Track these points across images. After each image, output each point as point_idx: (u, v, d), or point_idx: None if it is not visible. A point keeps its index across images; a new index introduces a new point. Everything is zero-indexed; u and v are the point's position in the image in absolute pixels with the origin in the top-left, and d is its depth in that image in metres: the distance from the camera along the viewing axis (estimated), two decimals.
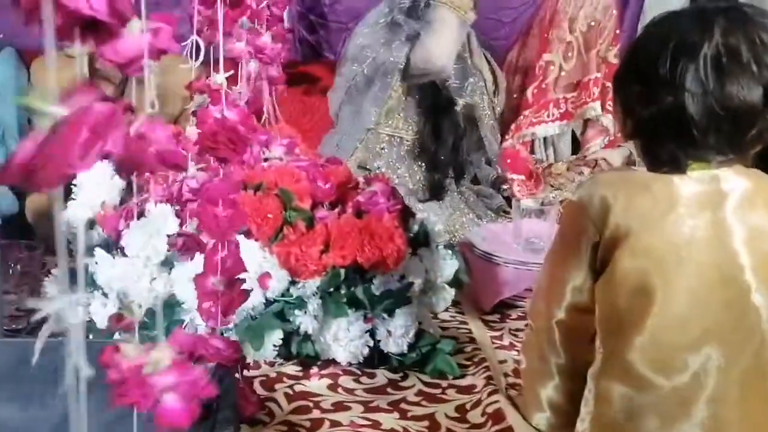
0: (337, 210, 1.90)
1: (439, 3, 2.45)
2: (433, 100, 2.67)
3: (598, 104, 3.07)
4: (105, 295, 1.76)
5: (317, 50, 3.28)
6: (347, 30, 3.06)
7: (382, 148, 2.64)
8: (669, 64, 1.26)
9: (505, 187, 2.80)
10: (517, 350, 1.92)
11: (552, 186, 2.94)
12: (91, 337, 1.67)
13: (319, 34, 3.26)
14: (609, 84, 2.94)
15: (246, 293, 1.32)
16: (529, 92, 3.11)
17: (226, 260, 1.25)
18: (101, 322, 1.73)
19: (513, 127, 3.08)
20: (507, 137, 3.06)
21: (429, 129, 2.68)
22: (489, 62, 2.95)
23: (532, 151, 3.14)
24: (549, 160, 3.11)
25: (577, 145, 3.23)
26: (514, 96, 3.10)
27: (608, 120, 3.07)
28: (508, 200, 2.74)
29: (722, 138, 1.27)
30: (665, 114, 1.27)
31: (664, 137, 1.30)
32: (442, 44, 2.47)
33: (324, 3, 3.24)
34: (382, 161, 2.65)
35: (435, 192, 2.68)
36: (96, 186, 1.84)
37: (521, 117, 3.08)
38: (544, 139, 3.14)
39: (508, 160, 2.95)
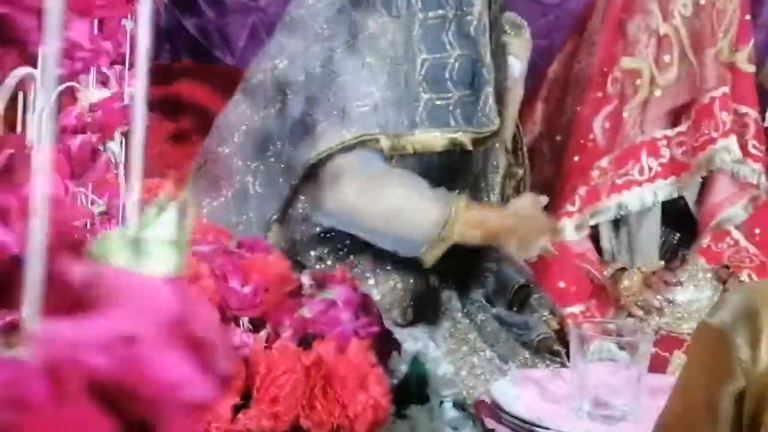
0: (265, 332, 1.63)
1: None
2: (440, 152, 1.99)
3: (733, 141, 2.02)
4: None
5: (203, 48, 2.64)
6: (259, 12, 2.54)
7: (323, 234, 1.92)
8: None
9: (537, 301, 1.95)
10: None
11: (625, 309, 2.05)
12: None
13: (207, 17, 2.63)
14: (745, 109, 2.08)
15: None
16: (597, 128, 2.04)
17: None
18: None
19: (580, 194, 2.05)
20: (568, 209, 2.04)
21: None
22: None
23: (597, 243, 2.11)
24: (615, 261, 2.12)
25: (683, 224, 2.15)
26: (557, 138, 2.13)
27: (748, 168, 2.07)
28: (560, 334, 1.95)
29: None
30: None
31: None
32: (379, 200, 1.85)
33: None
34: (327, 250, 1.94)
35: (425, 310, 1.94)
36: None
37: (594, 173, 2.04)
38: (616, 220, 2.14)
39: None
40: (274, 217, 1.95)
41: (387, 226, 1.85)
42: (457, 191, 1.90)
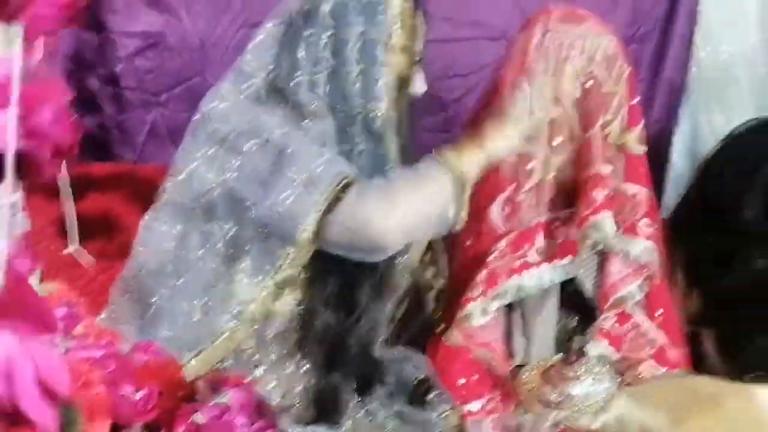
0: None
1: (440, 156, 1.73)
2: None
3: (607, 217, 1.97)
4: None
5: (102, 144, 2.54)
6: (160, 108, 2.42)
7: None
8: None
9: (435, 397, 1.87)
10: None
11: (525, 404, 1.99)
12: None
13: (106, 114, 2.53)
14: (636, 189, 1.99)
15: None
16: (494, 214, 2.02)
17: None
18: None
19: (480, 279, 1.98)
20: (470, 295, 1.96)
21: (330, 294, 1.84)
22: None
23: (508, 336, 2.04)
24: (516, 356, 2.04)
25: (583, 308, 2.07)
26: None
27: (640, 246, 1.98)
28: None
29: None
30: (760, 284, 1.10)
31: (756, 321, 1.13)
32: (409, 216, 1.69)
33: (115, 58, 2.47)
34: (232, 352, 1.83)
35: (326, 410, 1.84)
36: None
37: (492, 257, 2.00)
38: (511, 308, 2.04)
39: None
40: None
41: (427, 215, 1.74)
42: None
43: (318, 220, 1.69)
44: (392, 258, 1.85)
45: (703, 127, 2.55)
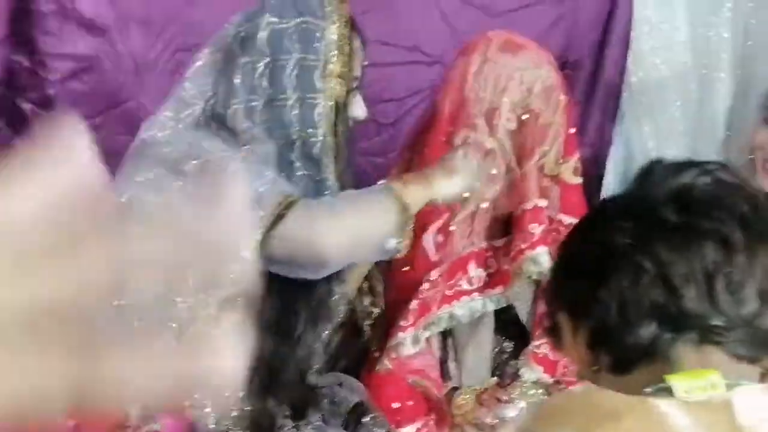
0: None
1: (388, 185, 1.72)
2: None
3: (544, 252, 1.93)
4: None
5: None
6: (94, 131, 2.14)
7: None
8: None
9: (369, 420, 1.77)
10: None
11: (459, 427, 1.92)
12: None
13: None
14: (571, 220, 1.95)
15: None
16: (428, 243, 1.96)
17: None
18: None
19: (412, 308, 1.92)
20: (401, 324, 1.91)
21: (265, 318, 1.79)
22: None
23: (443, 360, 1.99)
24: (451, 380, 1.98)
25: (518, 334, 2.05)
26: None
27: None
28: None
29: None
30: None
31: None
32: (353, 237, 1.64)
33: (48, 81, 2.33)
34: None
35: None
36: None
37: (424, 286, 1.93)
38: (446, 333, 1.99)
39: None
40: None
41: (370, 236, 1.71)
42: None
43: (261, 238, 1.65)
44: (330, 286, 1.83)
45: (636, 152, 2.53)
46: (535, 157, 1.95)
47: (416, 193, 1.72)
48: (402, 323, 1.92)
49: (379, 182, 1.74)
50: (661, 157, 1.23)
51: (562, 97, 1.95)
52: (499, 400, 1.93)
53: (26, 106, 2.38)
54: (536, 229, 1.94)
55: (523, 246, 1.93)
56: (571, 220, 1.98)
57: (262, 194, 1.67)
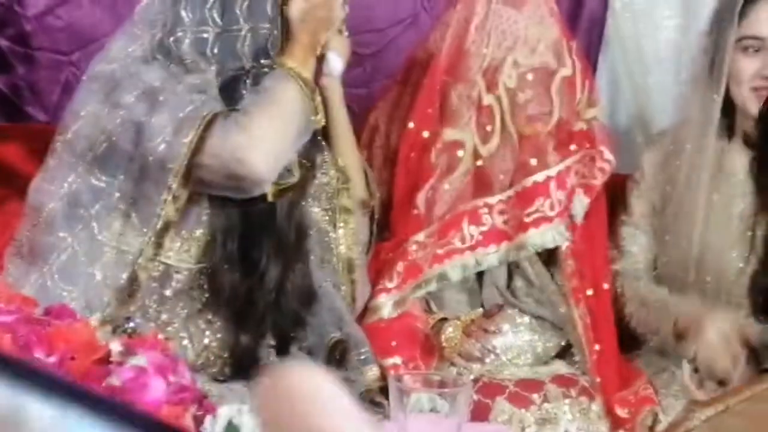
0: None
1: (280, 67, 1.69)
2: (243, 202, 1.77)
3: (547, 230, 1.92)
4: None
5: (14, 105, 2.43)
6: (72, 67, 2.34)
7: (131, 292, 1.73)
8: None
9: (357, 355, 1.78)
10: None
11: (448, 359, 1.91)
12: None
13: (17, 73, 2.41)
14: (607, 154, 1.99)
15: None
16: (420, 199, 1.90)
17: None
18: None
19: (399, 269, 1.90)
20: (386, 285, 1.89)
21: (230, 253, 1.78)
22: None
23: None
24: (437, 312, 1.97)
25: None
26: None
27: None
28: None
29: None
30: None
31: None
32: (273, 139, 1.65)
33: (24, 18, 2.34)
34: (134, 308, 1.75)
35: (243, 366, 1.78)
36: None
37: (412, 248, 1.90)
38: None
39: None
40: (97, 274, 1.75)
41: (290, 132, 1.70)
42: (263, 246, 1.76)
43: (186, 163, 1.64)
44: (288, 211, 1.80)
45: (622, 78, 2.53)
46: (576, 110, 1.94)
47: (309, 60, 1.71)
48: (387, 284, 1.90)
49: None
50: None
51: (571, 44, 1.96)
52: (486, 331, 1.93)
53: (2, 43, 2.40)
54: (544, 205, 1.91)
55: (527, 220, 1.91)
56: (609, 155, 1.98)
57: (182, 119, 1.67)
